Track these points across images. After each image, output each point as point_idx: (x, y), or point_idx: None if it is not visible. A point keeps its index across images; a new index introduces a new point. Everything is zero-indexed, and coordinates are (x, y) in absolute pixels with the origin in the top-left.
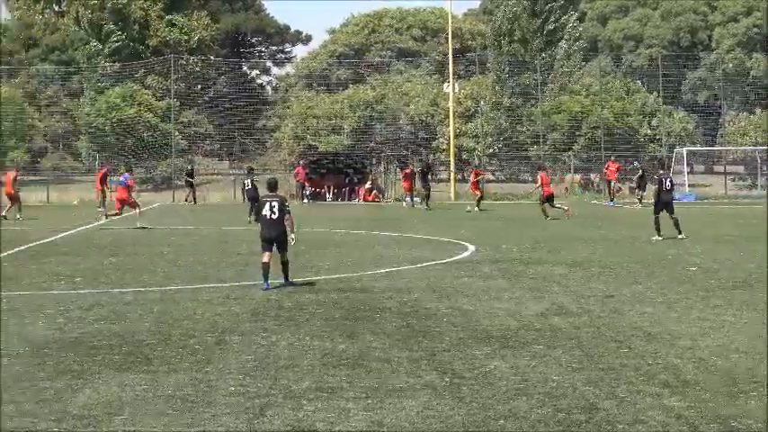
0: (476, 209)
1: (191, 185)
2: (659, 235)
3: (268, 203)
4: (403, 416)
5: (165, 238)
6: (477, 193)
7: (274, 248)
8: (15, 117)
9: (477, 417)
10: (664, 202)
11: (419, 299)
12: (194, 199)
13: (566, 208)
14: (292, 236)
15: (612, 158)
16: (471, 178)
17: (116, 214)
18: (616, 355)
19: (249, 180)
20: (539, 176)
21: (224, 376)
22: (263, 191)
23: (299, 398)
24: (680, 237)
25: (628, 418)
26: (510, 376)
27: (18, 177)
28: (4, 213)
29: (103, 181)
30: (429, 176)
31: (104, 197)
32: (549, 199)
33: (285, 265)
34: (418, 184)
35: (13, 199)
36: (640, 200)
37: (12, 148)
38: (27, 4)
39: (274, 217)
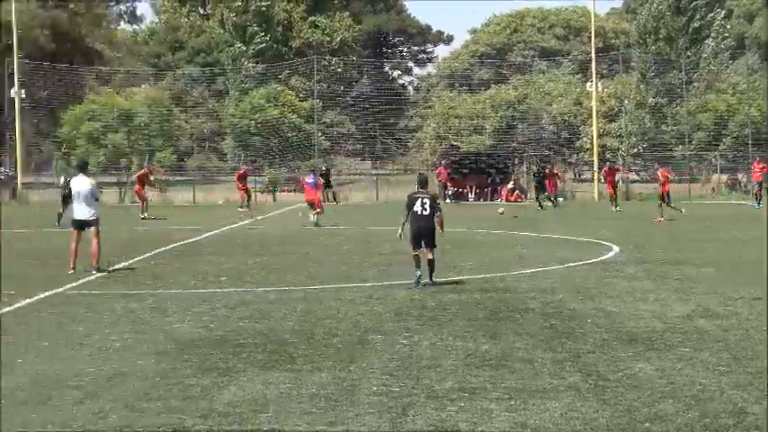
0: (615, 208)
1: (327, 186)
2: None
3: (419, 200)
4: (546, 417)
5: (310, 238)
6: (612, 190)
7: (422, 246)
8: (162, 118)
9: (621, 419)
10: None
11: (563, 300)
12: (335, 198)
13: (660, 218)
14: (440, 230)
15: (758, 159)
16: (604, 175)
17: (318, 214)
18: (765, 358)
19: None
20: (658, 173)
21: (367, 375)
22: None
23: (441, 398)
24: None
25: None
26: (655, 379)
27: (149, 178)
28: (141, 215)
29: (243, 180)
30: (545, 180)
31: (249, 197)
32: (662, 197)
33: (431, 263)
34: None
35: (141, 198)
36: None
37: (159, 148)
38: (173, 7)
39: (425, 213)
